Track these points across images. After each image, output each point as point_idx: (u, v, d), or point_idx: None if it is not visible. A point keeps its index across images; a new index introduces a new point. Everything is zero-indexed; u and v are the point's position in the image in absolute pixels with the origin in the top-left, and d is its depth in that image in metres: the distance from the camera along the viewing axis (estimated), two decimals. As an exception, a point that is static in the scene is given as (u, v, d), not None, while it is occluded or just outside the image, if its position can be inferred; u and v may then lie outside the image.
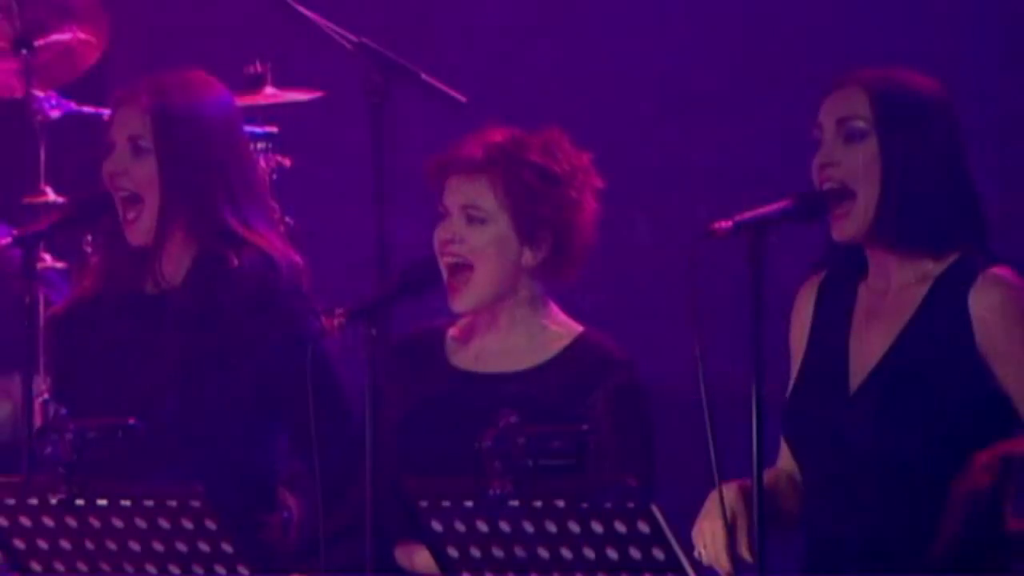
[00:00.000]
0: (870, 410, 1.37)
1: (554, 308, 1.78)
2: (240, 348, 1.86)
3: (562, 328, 1.75)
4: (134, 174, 1.89)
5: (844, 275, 1.48)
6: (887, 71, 1.48)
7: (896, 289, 1.41)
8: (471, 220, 1.70)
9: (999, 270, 1.36)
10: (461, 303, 1.71)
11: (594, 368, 1.69)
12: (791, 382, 1.51)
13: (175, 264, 1.92)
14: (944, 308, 1.36)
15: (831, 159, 1.40)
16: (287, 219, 3.82)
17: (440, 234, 1.72)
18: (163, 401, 1.82)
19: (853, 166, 1.39)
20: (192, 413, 1.83)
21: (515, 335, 1.73)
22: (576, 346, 1.72)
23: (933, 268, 1.38)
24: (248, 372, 1.86)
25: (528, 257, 1.70)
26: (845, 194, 1.38)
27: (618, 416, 1.65)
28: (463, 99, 2.50)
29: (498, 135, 1.73)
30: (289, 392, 1.81)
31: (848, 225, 1.39)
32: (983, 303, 1.33)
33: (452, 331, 1.79)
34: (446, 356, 1.77)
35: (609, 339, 1.77)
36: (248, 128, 2.92)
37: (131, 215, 1.89)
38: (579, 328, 1.76)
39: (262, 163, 3.42)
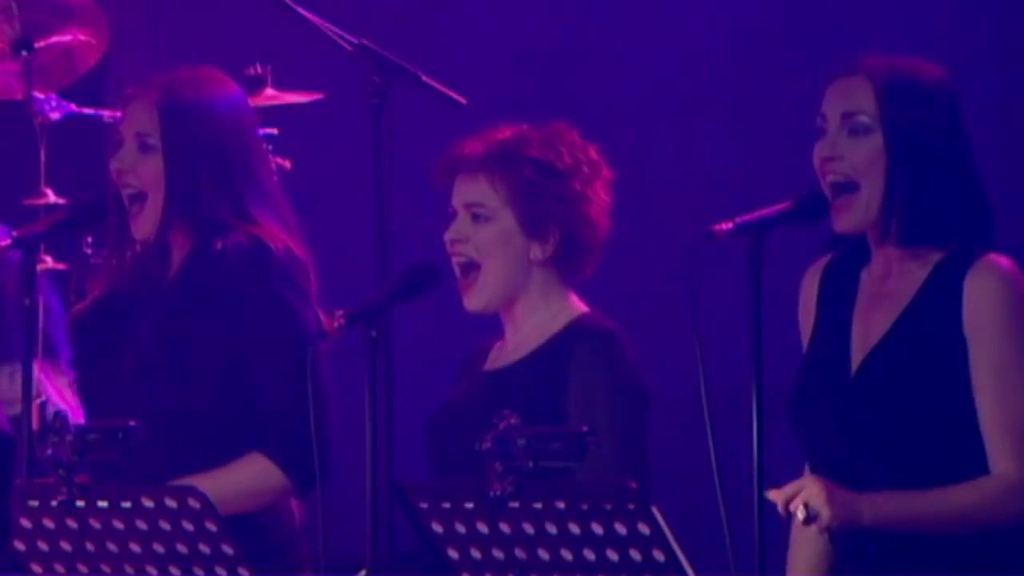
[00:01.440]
0: (869, 392, 1.38)
1: (571, 298, 1.77)
2: (228, 334, 1.85)
3: (565, 314, 1.74)
4: (140, 172, 1.89)
5: (847, 261, 1.48)
6: (893, 60, 1.47)
7: (897, 274, 1.41)
8: (476, 218, 1.71)
9: (998, 257, 1.36)
10: (472, 302, 1.72)
11: (570, 341, 1.68)
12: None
13: (177, 258, 1.92)
14: (942, 292, 1.37)
15: (835, 152, 1.40)
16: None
17: (448, 234, 1.73)
18: (160, 396, 1.82)
19: (857, 160, 1.39)
20: (185, 407, 1.83)
21: (527, 329, 1.74)
22: (568, 327, 1.71)
23: (934, 255, 1.38)
24: (235, 359, 1.85)
25: (536, 252, 1.70)
26: (849, 187, 1.39)
27: (584, 382, 1.63)
28: (463, 100, 2.51)
29: (500, 132, 1.73)
30: (262, 377, 1.83)
31: (850, 217, 1.39)
32: (975, 286, 1.33)
33: (499, 341, 1.80)
34: (483, 363, 1.79)
35: (602, 317, 1.76)
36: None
37: (135, 210, 1.89)
38: (581, 311, 1.75)
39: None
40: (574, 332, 1.70)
